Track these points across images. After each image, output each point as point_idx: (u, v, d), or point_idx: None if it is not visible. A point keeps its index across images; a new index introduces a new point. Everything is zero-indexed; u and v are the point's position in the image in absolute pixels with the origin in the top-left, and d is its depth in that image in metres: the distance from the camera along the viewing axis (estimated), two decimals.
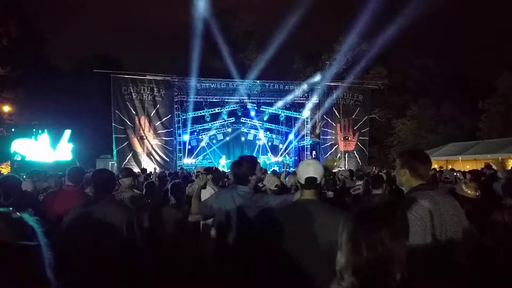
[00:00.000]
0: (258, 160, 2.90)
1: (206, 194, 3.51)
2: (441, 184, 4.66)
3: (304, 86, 19.59)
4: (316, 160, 2.57)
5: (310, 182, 2.21)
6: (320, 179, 2.25)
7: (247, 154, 3.11)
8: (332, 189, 5.24)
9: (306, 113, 20.30)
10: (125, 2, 44.41)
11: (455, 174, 9.00)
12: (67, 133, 16.91)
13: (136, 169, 12.74)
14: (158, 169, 15.55)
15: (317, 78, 19.74)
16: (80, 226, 2.51)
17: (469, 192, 3.71)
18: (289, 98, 19.56)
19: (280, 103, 19.57)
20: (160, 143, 17.64)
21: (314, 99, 19.98)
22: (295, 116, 20.66)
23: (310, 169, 2.24)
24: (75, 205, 2.74)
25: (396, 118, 27.01)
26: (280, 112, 20.32)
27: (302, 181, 2.23)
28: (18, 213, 1.10)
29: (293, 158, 20.95)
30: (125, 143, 17.16)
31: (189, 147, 19.58)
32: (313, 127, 21.53)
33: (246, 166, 2.67)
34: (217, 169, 4.30)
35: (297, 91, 19.54)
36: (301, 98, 19.96)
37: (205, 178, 3.19)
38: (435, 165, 17.34)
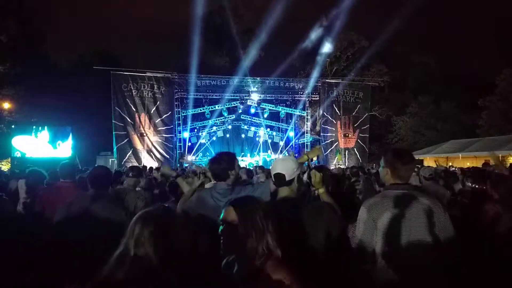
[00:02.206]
0: (237, 157, 2.79)
1: None
2: (427, 183, 4.59)
3: (304, 83, 19.59)
4: (289, 156, 2.47)
5: (278, 178, 2.21)
6: (290, 176, 2.20)
7: (226, 151, 3.00)
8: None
9: (306, 110, 20.29)
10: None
11: (453, 169, 9.01)
12: (68, 129, 16.93)
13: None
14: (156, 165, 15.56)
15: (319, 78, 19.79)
16: (74, 221, 2.50)
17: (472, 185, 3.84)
18: (289, 94, 19.58)
19: (280, 100, 19.63)
20: (160, 140, 17.62)
21: (315, 96, 19.97)
22: (295, 113, 20.64)
23: (277, 165, 2.24)
24: (70, 201, 2.73)
25: (396, 115, 27.03)
26: (280, 109, 20.30)
27: (273, 178, 2.26)
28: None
29: (293, 156, 20.94)
30: (125, 140, 17.13)
31: (189, 144, 19.56)
32: (313, 124, 21.52)
33: (225, 161, 2.58)
34: None
35: (297, 88, 19.54)
36: (301, 95, 19.94)
37: (203, 180, 2.98)
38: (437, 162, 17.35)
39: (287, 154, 20.33)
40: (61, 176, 3.71)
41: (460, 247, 2.02)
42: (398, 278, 1.93)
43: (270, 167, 2.33)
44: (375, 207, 2.03)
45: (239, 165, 2.78)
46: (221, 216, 1.51)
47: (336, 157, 18.67)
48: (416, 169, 5.34)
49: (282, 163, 2.24)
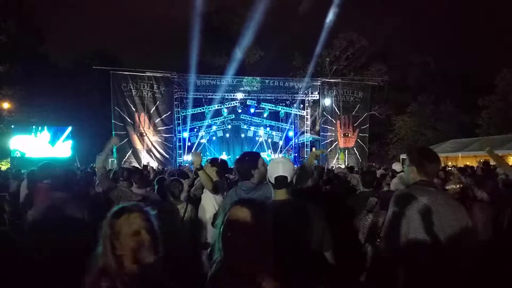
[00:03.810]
0: (261, 156, 2.88)
1: (206, 199, 3.49)
2: None
3: (304, 83, 19.59)
4: (286, 158, 2.47)
5: (280, 181, 2.18)
6: (292, 177, 2.21)
7: (249, 150, 3.13)
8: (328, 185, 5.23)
9: (306, 109, 20.29)
10: None
11: (449, 169, 9.05)
12: (68, 129, 16.94)
13: (137, 166, 12.73)
14: (156, 165, 15.56)
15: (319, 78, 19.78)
16: (41, 224, 2.45)
17: (454, 187, 3.96)
18: (289, 94, 19.58)
19: (279, 99, 19.67)
20: (160, 140, 17.62)
21: (314, 96, 19.97)
22: (295, 112, 20.64)
23: (279, 167, 2.20)
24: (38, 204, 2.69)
25: (396, 115, 27.03)
26: (280, 109, 20.30)
27: (272, 181, 2.21)
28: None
29: (292, 155, 20.95)
30: (125, 140, 17.11)
31: (189, 144, 19.56)
32: (313, 124, 21.53)
33: (248, 161, 2.69)
34: (222, 160, 4.24)
35: (297, 88, 19.55)
36: (301, 95, 19.95)
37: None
38: None
39: (287, 154, 20.39)
40: (40, 177, 3.64)
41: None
42: (424, 272, 1.99)
43: (269, 171, 2.28)
44: (403, 200, 2.12)
45: (264, 164, 2.82)
46: (226, 215, 1.40)
47: (339, 156, 18.72)
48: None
49: (283, 166, 2.21)
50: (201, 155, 4.01)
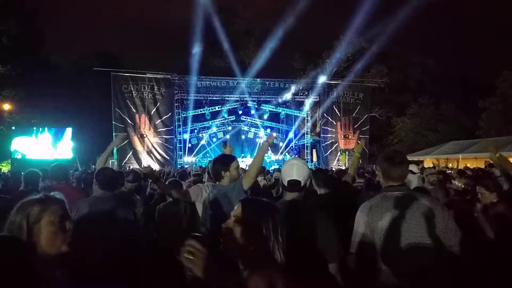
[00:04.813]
0: (236, 159, 2.86)
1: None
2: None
3: (304, 84, 19.59)
4: (301, 160, 2.35)
5: (293, 185, 2.11)
6: (305, 181, 2.14)
7: (225, 154, 3.15)
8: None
9: (306, 111, 20.29)
10: (125, 0, 44.35)
11: (449, 171, 9.04)
12: (69, 131, 16.92)
13: (137, 167, 12.73)
14: (157, 166, 15.57)
15: (320, 79, 19.74)
16: (90, 223, 2.49)
17: (460, 185, 4.16)
18: (290, 96, 19.59)
19: (280, 101, 19.69)
20: (161, 141, 17.62)
21: (315, 97, 19.96)
22: (295, 114, 20.65)
23: (293, 171, 2.12)
24: (79, 201, 2.74)
25: (396, 116, 27.03)
26: (280, 110, 20.31)
27: (285, 183, 2.15)
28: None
29: (293, 157, 20.93)
30: (126, 141, 17.13)
31: (189, 145, 19.57)
32: (314, 125, 21.51)
33: (219, 163, 2.75)
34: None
35: (297, 89, 19.55)
36: (301, 96, 19.95)
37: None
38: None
39: (287, 156, 20.35)
40: (54, 178, 3.66)
41: (464, 248, 1.97)
42: (400, 281, 1.91)
43: (282, 173, 2.20)
44: (374, 209, 2.02)
45: (238, 168, 2.81)
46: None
47: (341, 158, 18.73)
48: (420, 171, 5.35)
49: (298, 170, 2.13)
50: (201, 157, 4.06)
